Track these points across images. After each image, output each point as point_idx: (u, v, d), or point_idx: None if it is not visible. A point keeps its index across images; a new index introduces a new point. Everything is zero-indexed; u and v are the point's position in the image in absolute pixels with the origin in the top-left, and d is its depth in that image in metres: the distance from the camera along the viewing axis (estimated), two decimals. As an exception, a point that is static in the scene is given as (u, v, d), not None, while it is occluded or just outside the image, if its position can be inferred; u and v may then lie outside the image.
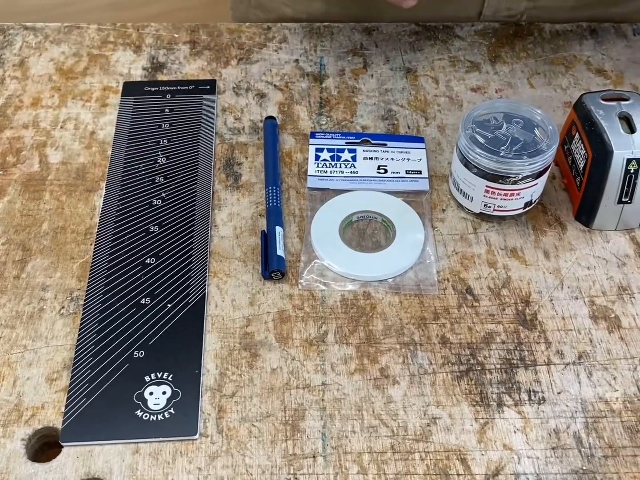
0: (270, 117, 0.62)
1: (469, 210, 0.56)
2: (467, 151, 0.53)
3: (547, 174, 0.54)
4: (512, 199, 0.53)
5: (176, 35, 0.70)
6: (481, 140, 0.53)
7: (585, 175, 0.54)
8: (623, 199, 0.53)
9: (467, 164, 0.53)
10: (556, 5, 0.71)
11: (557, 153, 0.57)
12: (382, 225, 0.55)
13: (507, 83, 0.66)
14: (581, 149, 0.54)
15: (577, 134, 0.55)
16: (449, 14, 0.72)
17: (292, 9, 0.74)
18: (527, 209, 0.55)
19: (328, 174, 0.58)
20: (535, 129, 0.54)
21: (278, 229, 0.54)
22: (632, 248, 0.54)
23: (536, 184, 0.53)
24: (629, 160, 0.51)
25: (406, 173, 0.59)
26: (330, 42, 0.70)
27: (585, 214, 0.55)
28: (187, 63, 0.68)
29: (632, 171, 0.52)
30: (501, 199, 0.53)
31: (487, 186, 0.53)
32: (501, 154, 0.52)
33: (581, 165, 0.54)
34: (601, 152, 0.52)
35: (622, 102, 0.54)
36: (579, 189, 0.55)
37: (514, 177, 0.52)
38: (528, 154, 0.52)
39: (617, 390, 0.46)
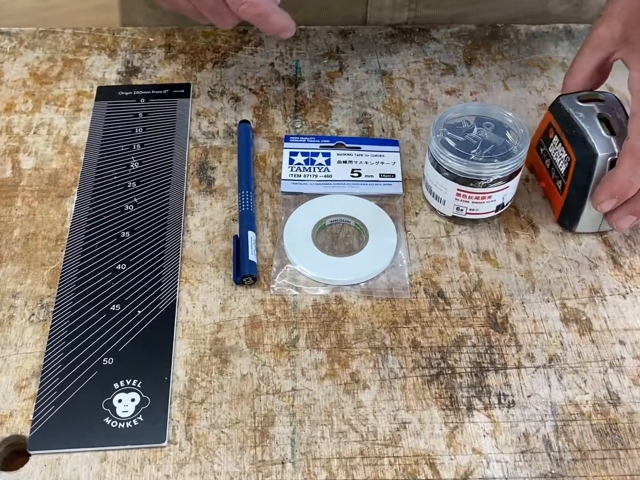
0: (245, 121, 0.62)
1: (441, 213, 0.56)
2: (438, 155, 0.53)
3: (518, 176, 0.54)
4: (483, 202, 0.53)
5: (151, 39, 0.70)
6: (452, 144, 0.53)
7: (568, 179, 0.53)
8: None
9: (438, 167, 0.53)
10: (436, 13, 0.72)
11: (532, 156, 0.57)
12: (355, 229, 0.55)
13: (482, 85, 0.66)
14: (562, 152, 0.54)
15: (555, 136, 0.54)
16: (334, 24, 0.72)
17: None
18: (500, 211, 0.55)
19: (302, 177, 0.58)
20: (507, 132, 0.54)
21: (250, 233, 0.53)
22: (604, 250, 0.54)
23: (507, 187, 0.53)
24: (612, 162, 0.51)
25: (380, 177, 0.58)
26: (306, 45, 0.70)
27: (569, 217, 0.55)
28: (162, 67, 0.67)
29: None
30: (473, 202, 0.53)
31: (458, 189, 0.53)
32: (472, 158, 0.52)
33: (562, 169, 0.54)
34: (586, 156, 0.52)
35: (599, 103, 0.54)
36: (561, 192, 0.54)
37: (485, 181, 0.52)
38: (499, 157, 0.52)
39: (587, 394, 0.46)
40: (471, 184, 0.52)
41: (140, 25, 0.76)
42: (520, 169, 0.53)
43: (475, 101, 0.64)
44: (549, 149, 0.55)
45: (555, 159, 0.55)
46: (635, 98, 0.52)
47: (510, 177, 0.53)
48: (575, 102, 0.54)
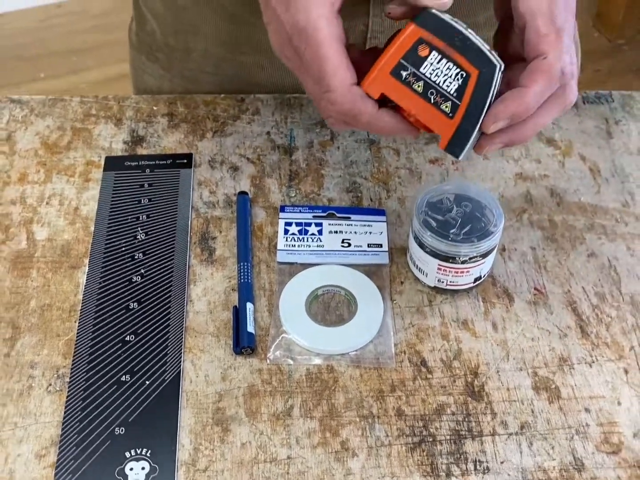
0: (243, 193, 0.66)
1: (424, 283, 0.60)
2: (420, 234, 0.57)
3: (494, 252, 0.58)
4: (462, 276, 0.58)
5: (155, 108, 0.75)
6: (433, 223, 0.58)
7: (465, 98, 0.49)
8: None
9: (420, 244, 0.58)
10: None
11: (384, 84, 0.51)
12: (345, 298, 0.60)
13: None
14: (449, 69, 0.49)
15: (434, 52, 0.49)
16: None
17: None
18: (477, 283, 0.60)
19: (296, 247, 0.63)
20: (484, 209, 0.59)
21: (249, 305, 0.58)
22: (573, 319, 0.59)
23: (484, 262, 0.58)
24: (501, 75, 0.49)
25: (368, 246, 0.63)
26: (300, 114, 0.74)
27: (460, 142, 0.51)
28: (165, 136, 0.72)
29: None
30: (452, 276, 0.58)
31: (439, 264, 0.58)
32: (450, 238, 0.56)
33: (452, 88, 0.49)
34: (489, 68, 0.48)
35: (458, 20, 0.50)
36: (452, 115, 0.50)
37: (463, 258, 0.57)
38: (476, 237, 0.57)
39: (555, 460, 0.51)
40: (450, 260, 0.57)
41: (151, 84, 0.81)
42: (495, 246, 0.58)
43: (456, 179, 0.68)
44: (422, 69, 0.50)
45: (437, 78, 0.50)
46: (541, 18, 0.49)
47: (486, 254, 0.57)
48: (445, 14, 0.49)
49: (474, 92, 0.49)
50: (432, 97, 0.50)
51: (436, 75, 0.50)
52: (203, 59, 0.77)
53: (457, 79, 0.49)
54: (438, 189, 0.60)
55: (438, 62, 0.49)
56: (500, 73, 0.49)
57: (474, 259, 0.57)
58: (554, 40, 0.48)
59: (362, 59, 0.52)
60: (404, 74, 0.50)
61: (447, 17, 0.49)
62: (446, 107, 0.50)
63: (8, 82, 2.34)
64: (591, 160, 0.70)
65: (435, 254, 0.57)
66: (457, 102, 0.50)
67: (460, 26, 0.49)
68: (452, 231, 0.57)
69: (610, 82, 2.29)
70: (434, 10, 0.49)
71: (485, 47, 0.49)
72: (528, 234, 0.64)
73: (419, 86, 0.50)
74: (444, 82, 0.49)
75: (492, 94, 0.49)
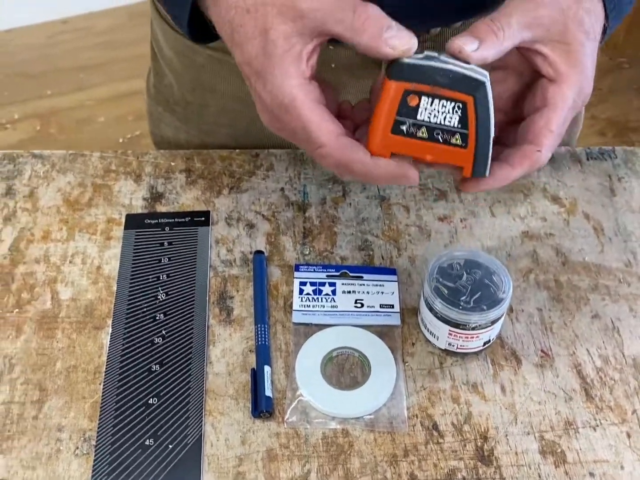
0: (259, 252, 0.69)
1: (435, 345, 0.63)
2: (431, 300, 0.60)
3: (503, 318, 0.61)
4: (472, 340, 0.61)
5: (173, 164, 0.77)
6: (444, 291, 0.60)
7: (470, 125, 0.51)
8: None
9: (431, 309, 0.60)
10: None
11: (390, 145, 0.52)
12: (359, 360, 0.62)
13: (471, 212, 0.73)
14: (444, 106, 0.51)
15: (424, 98, 0.51)
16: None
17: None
18: (486, 346, 0.62)
19: (311, 308, 0.65)
20: (493, 275, 0.62)
21: (266, 368, 0.61)
22: (578, 382, 0.61)
23: (493, 328, 0.60)
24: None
25: (380, 307, 0.66)
26: (313, 170, 0.77)
27: (482, 163, 0.53)
28: (183, 193, 0.75)
29: None
30: (463, 340, 0.61)
31: (450, 330, 0.60)
32: (461, 306, 0.59)
33: (454, 122, 0.51)
34: (479, 89, 0.50)
35: (426, 51, 0.52)
36: (466, 145, 0.52)
37: (473, 324, 0.59)
38: (486, 305, 0.59)
39: (561, 525, 0.54)
40: (461, 327, 0.60)
41: (168, 133, 0.84)
42: (504, 312, 0.60)
43: (466, 248, 0.70)
44: (419, 117, 0.51)
45: (436, 119, 0.51)
46: (555, 111, 0.52)
47: (495, 321, 0.60)
48: (415, 57, 0.51)
49: (477, 115, 0.51)
50: (439, 137, 0.52)
51: (434, 116, 0.51)
52: (219, 113, 0.80)
53: (456, 111, 0.51)
54: (449, 254, 0.63)
55: (431, 105, 0.51)
56: (489, 82, 0.50)
57: (483, 326, 0.59)
58: (555, 139, 0.52)
59: (354, 112, 0.55)
60: (404, 128, 0.52)
61: (418, 60, 0.50)
62: (456, 140, 0.52)
63: (14, 99, 2.37)
64: (595, 218, 0.73)
65: (446, 320, 0.60)
66: (465, 131, 0.51)
67: (435, 62, 0.50)
68: (462, 299, 0.60)
69: (610, 100, 2.32)
70: (404, 59, 0.50)
71: (466, 69, 0.50)
72: (535, 295, 0.67)
73: (423, 132, 0.52)
74: (444, 119, 0.51)
75: (492, 104, 0.51)
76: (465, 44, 0.49)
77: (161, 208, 0.73)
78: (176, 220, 0.72)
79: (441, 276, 0.61)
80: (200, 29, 0.56)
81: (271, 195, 0.75)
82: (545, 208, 0.74)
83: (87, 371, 0.61)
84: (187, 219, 0.72)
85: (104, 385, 0.60)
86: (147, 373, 0.61)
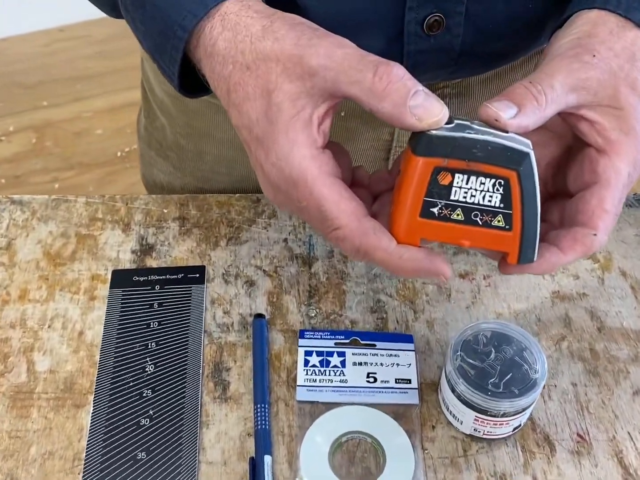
0: (259, 316, 0.62)
1: (458, 429, 0.56)
2: (454, 381, 0.53)
3: (536, 401, 0.54)
4: (501, 427, 0.54)
5: (165, 211, 0.70)
6: (469, 371, 0.53)
7: (515, 204, 0.44)
8: None
9: (453, 390, 0.53)
10: None
11: (420, 231, 0.45)
12: (372, 447, 0.55)
13: (495, 268, 0.66)
14: (482, 184, 0.44)
15: (457, 176, 0.43)
16: None
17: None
18: (516, 431, 0.55)
19: (317, 383, 0.58)
20: (524, 352, 0.54)
21: (267, 458, 0.53)
22: (619, 473, 0.54)
23: (524, 413, 0.53)
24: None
25: (395, 382, 0.58)
26: (319, 218, 0.70)
27: (530, 246, 0.45)
28: (176, 244, 0.68)
29: None
30: (490, 427, 0.53)
31: (476, 416, 0.53)
32: (489, 391, 0.52)
33: (496, 201, 0.44)
34: (523, 163, 0.43)
35: (456, 119, 0.45)
36: (511, 226, 0.44)
37: (503, 411, 0.52)
38: (518, 390, 0.52)
39: None
40: (489, 413, 0.52)
41: (161, 179, 0.77)
42: (538, 396, 0.53)
43: (491, 320, 0.63)
44: (452, 197, 0.44)
45: (474, 198, 0.44)
46: (608, 189, 0.45)
47: (528, 407, 0.53)
48: (444, 127, 0.44)
49: (522, 193, 0.44)
50: (478, 219, 0.45)
51: (471, 195, 0.44)
52: (216, 161, 0.73)
53: (497, 189, 0.44)
54: (474, 327, 0.56)
55: (467, 183, 0.44)
56: (533, 154, 0.43)
57: (514, 412, 0.52)
58: (611, 219, 0.45)
59: (371, 182, 0.48)
60: (435, 210, 0.45)
61: (449, 131, 0.43)
62: (498, 221, 0.45)
63: (10, 110, 2.30)
64: (633, 276, 0.66)
65: (471, 406, 0.53)
66: (508, 211, 0.44)
67: (468, 132, 0.43)
68: (490, 381, 0.52)
69: None
70: (432, 131, 0.43)
71: (505, 139, 0.43)
72: (569, 367, 0.60)
73: (458, 214, 0.45)
74: (483, 198, 0.44)
75: (537, 178, 0.43)
76: (501, 110, 0.42)
77: (151, 262, 0.66)
78: (168, 277, 0.65)
79: (465, 353, 0.54)
80: (193, 81, 0.49)
81: (273, 247, 0.68)
82: (577, 264, 0.67)
83: (64, 458, 0.54)
84: (180, 276, 0.65)
85: (83, 475, 0.53)
86: (132, 462, 0.54)
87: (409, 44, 0.56)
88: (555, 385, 0.59)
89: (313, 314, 0.63)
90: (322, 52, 0.42)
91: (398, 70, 0.41)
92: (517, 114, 0.42)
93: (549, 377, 0.59)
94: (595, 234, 0.44)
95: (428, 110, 0.41)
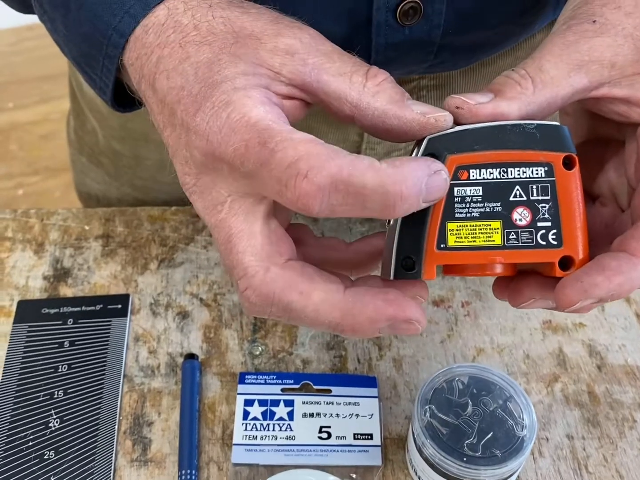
0: (190, 356, 0.51)
1: (429, 498, 0.45)
2: (421, 443, 0.42)
3: (523, 465, 0.43)
4: (481, 498, 0.43)
5: (87, 227, 0.59)
6: (440, 429, 0.42)
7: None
8: None
9: (420, 452, 0.43)
10: None
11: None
12: (323, 521, 0.45)
13: (475, 293, 0.56)
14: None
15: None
16: None
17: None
18: (500, 500, 0.45)
19: (258, 440, 0.48)
20: (508, 402, 0.44)
21: (191, 541, 0.43)
22: None
23: (511, 477, 0.43)
24: None
25: (354, 438, 0.48)
26: (269, 235, 0.59)
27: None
28: (97, 268, 0.57)
29: None
30: (468, 498, 0.43)
31: (450, 486, 0.43)
32: (465, 458, 0.41)
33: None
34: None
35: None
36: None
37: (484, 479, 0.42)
38: (501, 452, 0.42)
39: None
40: (466, 482, 0.42)
41: (95, 190, 0.67)
42: (526, 459, 0.43)
43: (466, 364, 0.51)
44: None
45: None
46: None
47: (514, 473, 0.43)
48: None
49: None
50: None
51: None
52: (157, 167, 0.62)
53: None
54: (447, 371, 0.45)
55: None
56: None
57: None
58: None
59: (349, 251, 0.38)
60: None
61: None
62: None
63: (-28, 112, 2.19)
64: (638, 302, 0.56)
65: (444, 474, 0.42)
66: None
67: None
68: (467, 442, 0.42)
69: None
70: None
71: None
72: (563, 415, 0.49)
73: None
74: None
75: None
76: (469, 97, 0.32)
77: (66, 290, 0.55)
78: (84, 308, 0.54)
79: (437, 406, 0.44)
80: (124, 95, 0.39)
81: (213, 270, 0.57)
82: (572, 287, 0.57)
83: None
84: (98, 307, 0.54)
85: None
86: None
87: (378, 36, 0.45)
88: (547, 439, 0.48)
89: (257, 352, 0.53)
90: (306, 34, 0.34)
91: (389, 76, 0.34)
92: (492, 100, 0.32)
93: (539, 427, 0.49)
94: None
95: (430, 107, 0.33)
